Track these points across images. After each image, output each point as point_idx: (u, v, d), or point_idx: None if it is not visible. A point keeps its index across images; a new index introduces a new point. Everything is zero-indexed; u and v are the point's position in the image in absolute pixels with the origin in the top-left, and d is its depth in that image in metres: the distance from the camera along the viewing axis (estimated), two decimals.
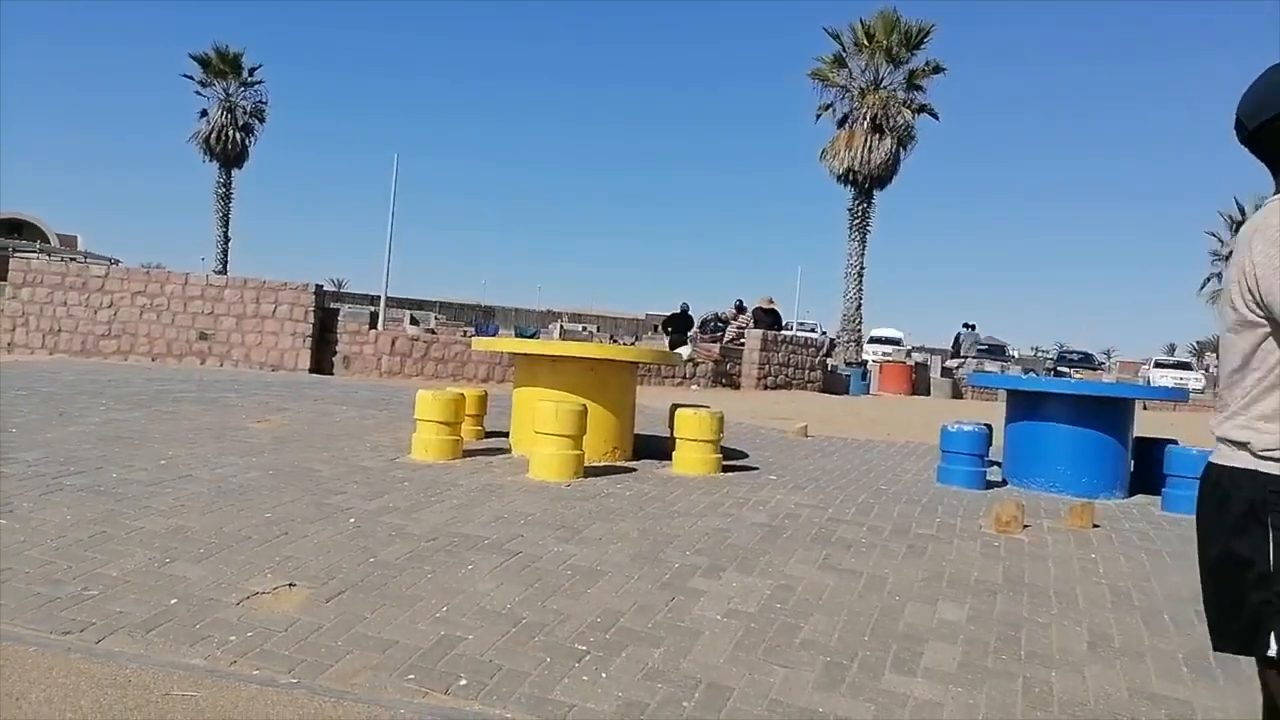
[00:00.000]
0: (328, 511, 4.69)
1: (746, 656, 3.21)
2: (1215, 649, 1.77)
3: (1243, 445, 1.64)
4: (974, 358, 29.60)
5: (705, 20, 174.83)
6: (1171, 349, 73.85)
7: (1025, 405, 7.33)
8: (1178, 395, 8.58)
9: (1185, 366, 40.62)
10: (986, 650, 3.42)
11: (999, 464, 7.50)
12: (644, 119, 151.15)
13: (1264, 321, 1.62)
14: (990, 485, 6.92)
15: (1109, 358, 54.21)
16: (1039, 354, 46.43)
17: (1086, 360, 39.58)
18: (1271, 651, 1.60)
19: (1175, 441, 7.09)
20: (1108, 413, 6.99)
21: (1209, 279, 38.73)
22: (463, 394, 6.75)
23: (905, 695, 2.99)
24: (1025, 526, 5.28)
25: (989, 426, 7.29)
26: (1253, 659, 1.67)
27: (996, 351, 39.76)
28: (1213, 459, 1.73)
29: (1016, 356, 43.16)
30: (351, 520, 4.55)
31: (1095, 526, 5.48)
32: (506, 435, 7.25)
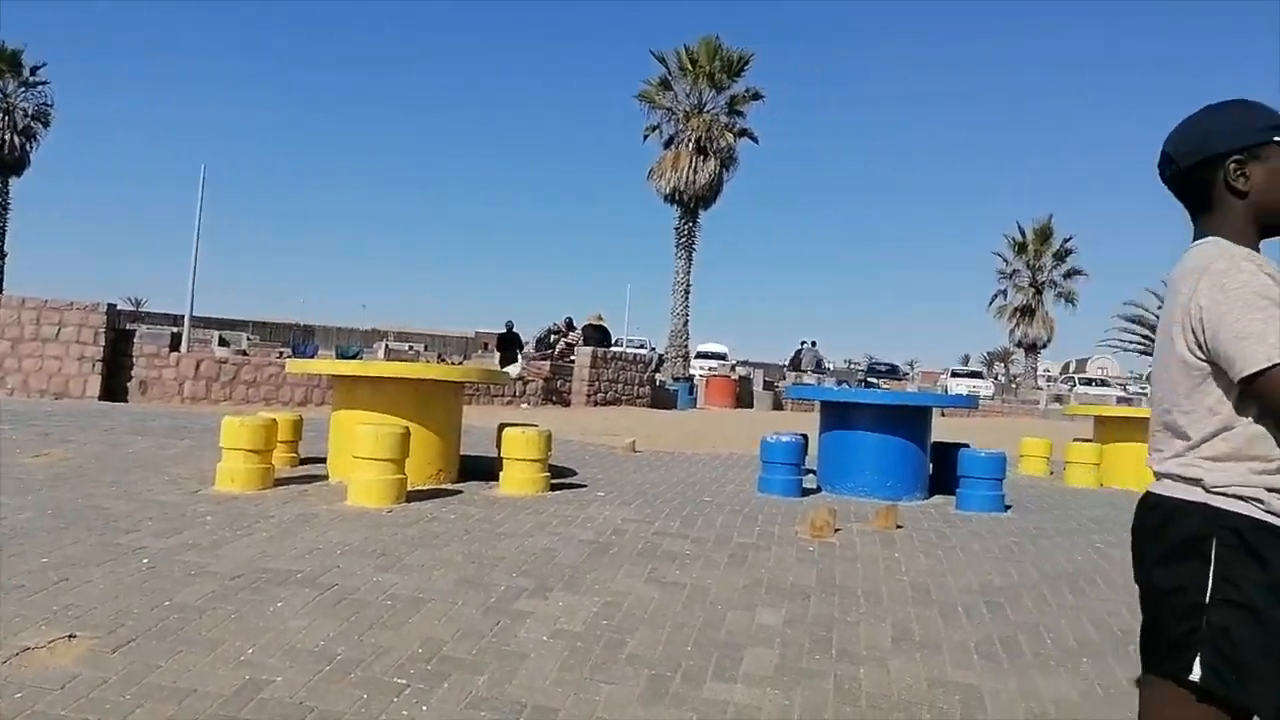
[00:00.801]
0: (117, 552, 4.29)
1: (573, 676, 3.20)
2: (1144, 669, 1.73)
3: (1195, 481, 1.63)
4: (814, 372, 31.07)
5: (541, 35, 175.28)
6: (966, 359, 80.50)
7: (836, 416, 7.77)
8: (968, 403, 9.35)
9: (978, 375, 44.35)
10: (801, 651, 3.57)
11: (814, 472, 7.90)
12: (477, 134, 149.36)
13: (1207, 365, 1.61)
14: (807, 493, 7.27)
15: (913, 368, 58.41)
16: (851, 366, 49.32)
17: (893, 371, 42.46)
18: (1194, 676, 1.56)
19: (968, 445, 7.72)
20: (909, 421, 7.52)
21: (996, 295, 42.46)
22: (274, 419, 6.39)
23: (725, 702, 3.07)
24: (837, 531, 5.57)
25: (805, 437, 7.66)
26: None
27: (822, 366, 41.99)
28: (1153, 489, 1.72)
29: (831, 369, 45.75)
30: (145, 561, 4.18)
31: (899, 527, 5.86)
32: (324, 461, 6.91)
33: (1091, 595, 4.58)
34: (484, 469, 7.01)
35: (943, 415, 23.46)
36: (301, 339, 33.07)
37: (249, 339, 27.69)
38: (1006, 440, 11.81)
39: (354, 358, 15.99)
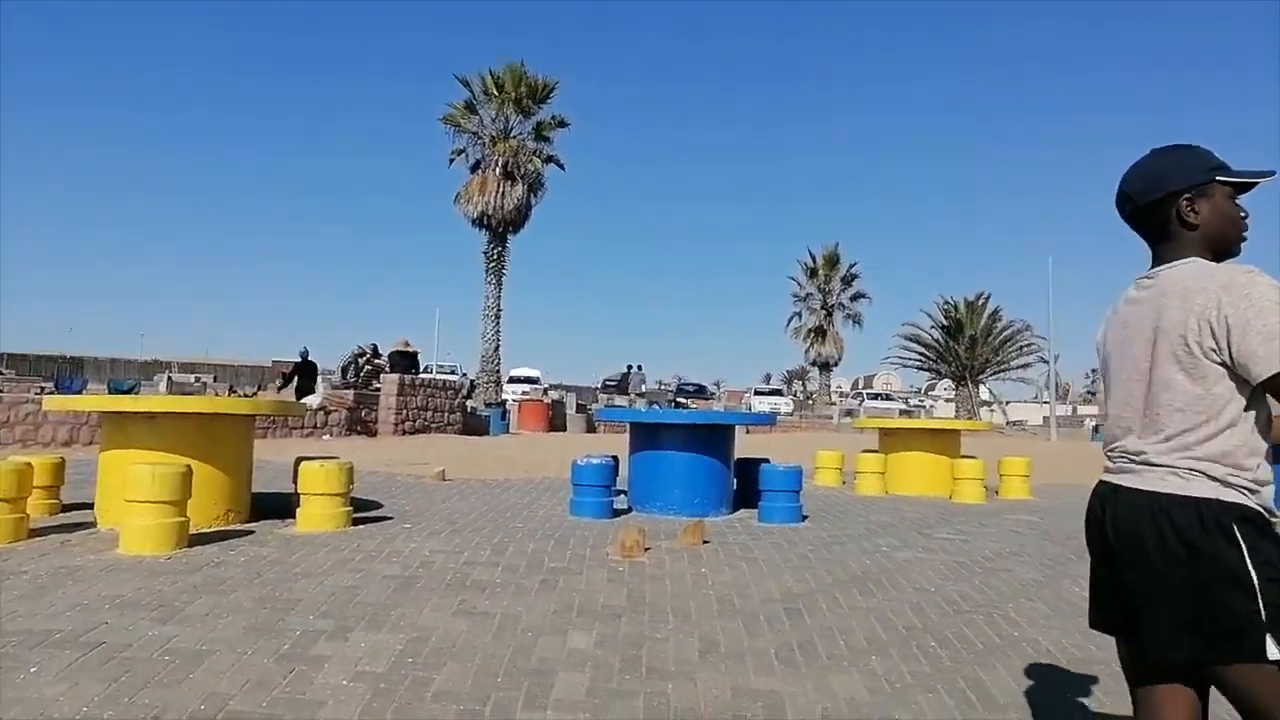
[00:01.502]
0: None
1: None
2: (1173, 659, 1.80)
3: (1206, 475, 1.75)
4: (641, 395, 31.53)
5: (337, 55, 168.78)
6: (768, 378, 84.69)
7: (645, 436, 7.93)
8: (768, 420, 9.82)
9: (778, 393, 46.73)
10: (612, 672, 3.58)
11: (625, 492, 8.01)
12: (279, 157, 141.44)
13: (1220, 368, 1.74)
14: (618, 513, 7.36)
15: (719, 388, 60.76)
16: (661, 387, 50.61)
17: (700, 391, 43.97)
18: (1273, 655, 1.67)
19: (768, 460, 8.09)
20: (714, 439, 7.79)
21: (792, 317, 45.07)
22: (29, 463, 5.71)
23: None
24: (647, 550, 5.66)
25: (615, 458, 7.76)
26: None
27: (624, 387, 42.72)
28: (1148, 488, 1.81)
29: (644, 390, 46.72)
30: None
31: (705, 543, 6.04)
32: (91, 507, 6.25)
33: (879, 596, 4.91)
34: (280, 506, 6.59)
35: (747, 432, 24.51)
36: (67, 372, 29.85)
37: (1, 373, 24.67)
38: (804, 454, 12.50)
39: (128, 392, 14.61)
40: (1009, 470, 10.75)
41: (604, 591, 4.74)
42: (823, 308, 43.91)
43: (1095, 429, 35.37)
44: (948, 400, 49.30)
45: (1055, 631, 4.34)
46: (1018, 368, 39.89)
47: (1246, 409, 1.76)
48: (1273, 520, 1.77)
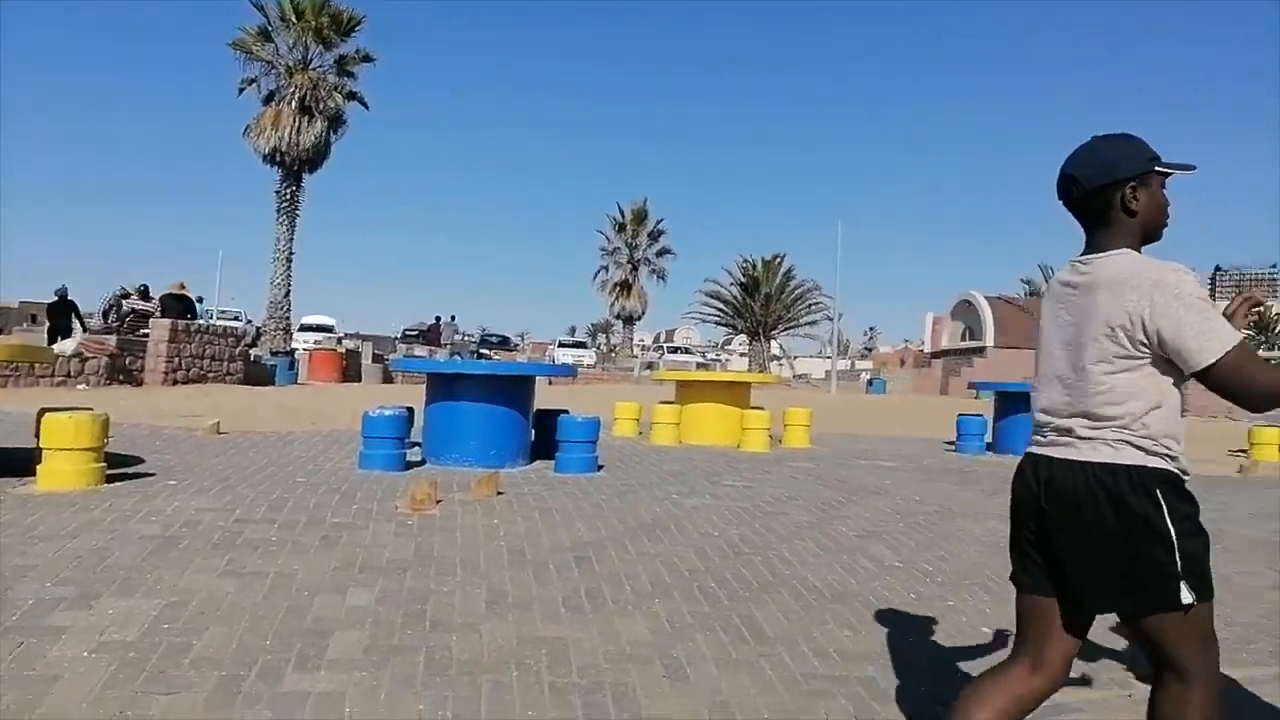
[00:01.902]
0: None
1: (120, 692, 2.78)
2: (1103, 611, 2.05)
3: (1135, 446, 1.94)
4: (449, 345, 30.57)
5: None
6: (573, 330, 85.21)
7: (443, 387, 7.72)
8: (568, 372, 9.86)
9: (582, 345, 47.14)
10: (394, 629, 3.48)
11: (420, 445, 7.79)
12: (37, 83, 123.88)
13: (1146, 358, 1.93)
14: (411, 466, 7.15)
15: (524, 340, 60.43)
16: (465, 338, 49.66)
17: (504, 343, 43.54)
18: (1186, 600, 1.89)
19: (567, 411, 8.12)
20: (513, 390, 7.71)
21: (599, 270, 45.41)
22: None
23: (306, 693, 2.88)
24: (438, 502, 5.54)
25: (410, 409, 7.51)
26: None
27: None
28: (1080, 458, 1.98)
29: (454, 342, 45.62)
30: None
31: (500, 494, 5.99)
32: None
33: (666, 542, 5.07)
34: (18, 463, 5.88)
35: (550, 384, 24.58)
36: None
37: None
38: (604, 406, 12.68)
39: None
40: (792, 420, 11.43)
41: (390, 546, 4.59)
42: (629, 262, 44.58)
43: (869, 382, 38.37)
44: (742, 355, 51.75)
45: (823, 569, 4.66)
46: (806, 324, 42.46)
47: (1167, 394, 1.97)
48: (1185, 479, 1.98)
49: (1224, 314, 2.00)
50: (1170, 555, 1.90)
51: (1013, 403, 11.76)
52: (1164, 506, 1.92)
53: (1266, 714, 3.07)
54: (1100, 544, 1.95)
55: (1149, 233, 2.06)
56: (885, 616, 3.93)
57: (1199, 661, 1.95)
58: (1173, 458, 1.97)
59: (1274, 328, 74.89)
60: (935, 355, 43.35)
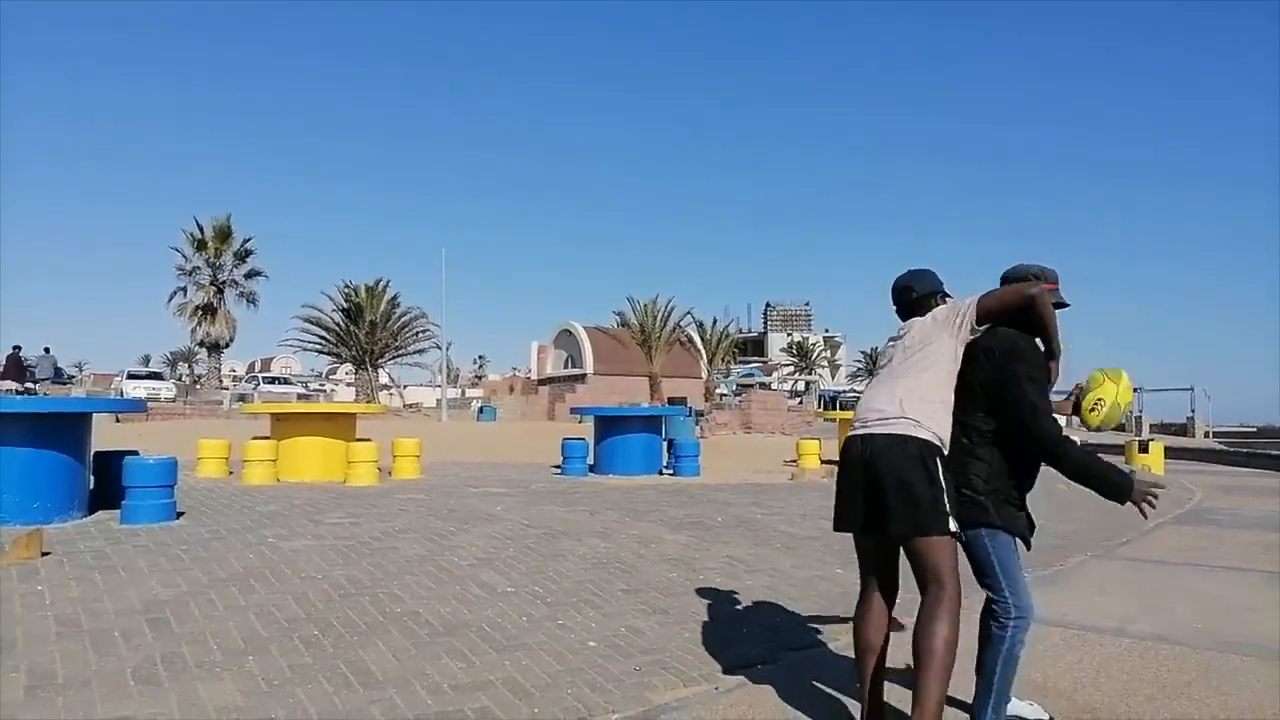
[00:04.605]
0: None
1: None
2: (894, 532, 2.78)
3: (915, 421, 2.79)
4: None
5: None
6: (147, 360, 75.11)
7: None
8: (135, 407, 8.57)
9: (158, 376, 41.65)
10: None
11: None
12: None
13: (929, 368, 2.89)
14: None
15: (81, 370, 51.85)
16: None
17: (59, 376, 36.84)
18: (954, 529, 2.71)
19: (136, 452, 7.08)
20: (62, 430, 6.52)
21: (176, 292, 40.38)
22: None
23: None
24: None
25: None
26: None
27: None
28: (884, 430, 2.82)
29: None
30: None
31: (45, 555, 5.03)
32: None
33: (261, 591, 4.61)
34: None
35: (117, 421, 21.36)
36: None
37: None
38: (186, 443, 11.30)
39: None
40: (401, 451, 11.14)
41: None
42: (213, 284, 40.22)
43: (480, 409, 38.89)
44: (349, 384, 49.45)
45: (435, 602, 4.56)
46: (414, 353, 41.76)
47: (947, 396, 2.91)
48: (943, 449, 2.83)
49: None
50: (939, 495, 2.77)
51: (611, 426, 12.66)
52: (937, 464, 2.79)
53: (823, 681, 3.59)
54: (902, 490, 2.81)
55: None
56: (498, 644, 3.95)
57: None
58: (934, 434, 2.86)
59: (811, 355, 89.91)
60: (542, 382, 45.22)
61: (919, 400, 2.83)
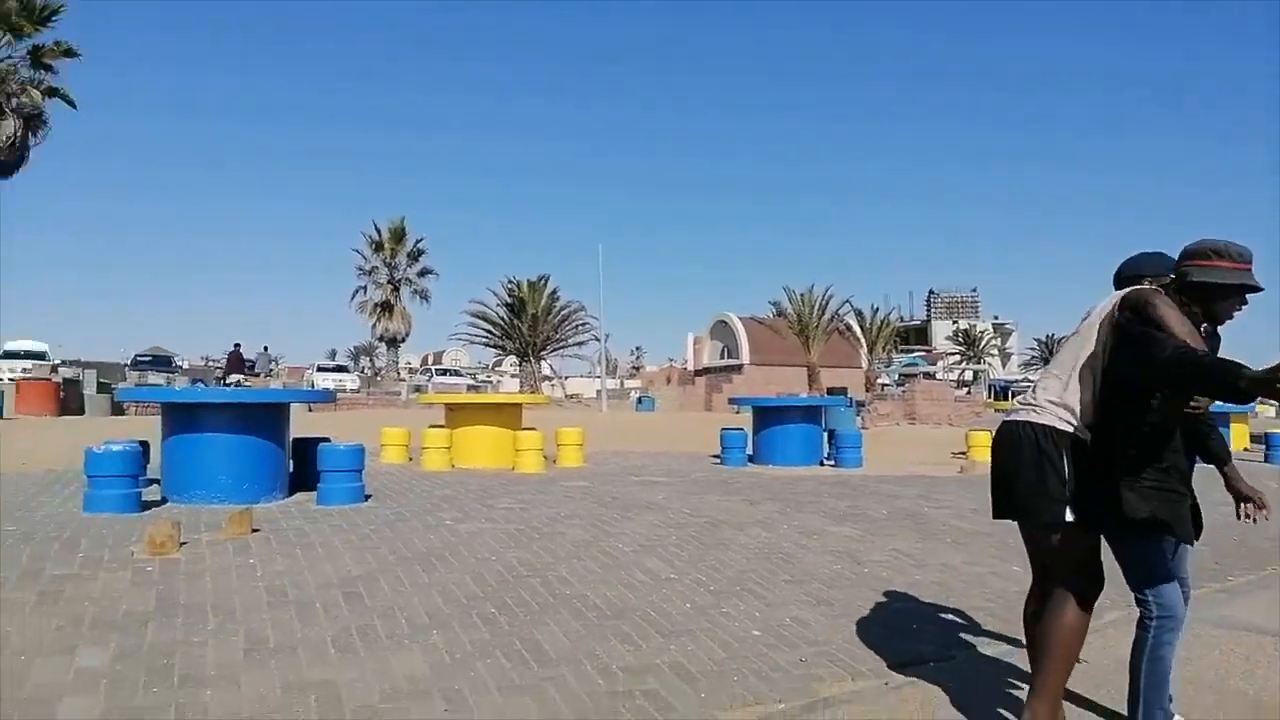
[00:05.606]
0: None
1: None
2: (1007, 518, 2.80)
3: (1040, 407, 2.73)
4: (130, 368, 27.47)
5: None
6: (333, 354, 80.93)
7: (182, 418, 7.03)
8: (326, 397, 9.27)
9: (344, 369, 44.82)
10: (135, 689, 3.09)
11: (158, 482, 7.04)
12: None
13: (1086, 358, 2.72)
14: (148, 506, 6.43)
15: (277, 364, 56.61)
16: (210, 363, 45.65)
17: (251, 367, 40.39)
18: (1069, 519, 2.63)
19: (328, 439, 7.67)
20: (265, 419, 7.16)
21: (357, 291, 43.32)
22: None
23: None
24: (182, 544, 5.02)
25: (144, 443, 6.79)
26: None
27: (162, 362, 37.81)
28: (1012, 417, 2.82)
29: (185, 366, 41.62)
30: None
31: (255, 531, 5.54)
32: None
33: (442, 571, 4.90)
34: None
35: (310, 410, 23.14)
36: None
37: None
38: (370, 432, 12.13)
39: None
40: (565, 440, 11.51)
41: (126, 597, 4.09)
42: (389, 282, 42.90)
43: (639, 400, 39.53)
44: (513, 376, 51.51)
45: (602, 586, 4.71)
46: (575, 345, 42.99)
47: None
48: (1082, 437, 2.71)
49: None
50: (1062, 487, 2.71)
51: (770, 416, 12.58)
52: (1064, 453, 2.70)
53: (997, 682, 3.45)
54: (1021, 475, 2.80)
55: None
56: (663, 629, 4.03)
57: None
58: (1074, 423, 2.76)
59: (979, 343, 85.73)
60: (698, 373, 45.45)
61: (1054, 383, 2.75)
